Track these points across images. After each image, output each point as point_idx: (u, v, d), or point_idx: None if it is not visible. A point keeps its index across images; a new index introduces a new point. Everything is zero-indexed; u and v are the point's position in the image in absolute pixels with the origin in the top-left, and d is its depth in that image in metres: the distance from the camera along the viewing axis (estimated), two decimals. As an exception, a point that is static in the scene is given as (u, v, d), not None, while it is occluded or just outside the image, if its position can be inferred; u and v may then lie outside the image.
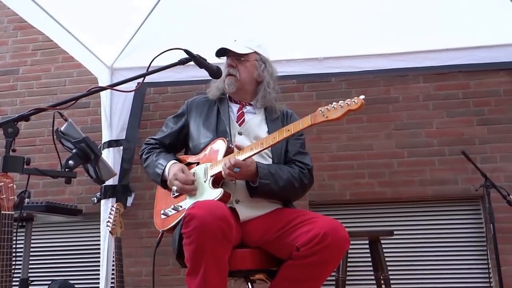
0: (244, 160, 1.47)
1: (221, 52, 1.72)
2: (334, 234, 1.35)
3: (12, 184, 1.52)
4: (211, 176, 1.53)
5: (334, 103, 1.38)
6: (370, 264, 2.37)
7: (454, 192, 2.72)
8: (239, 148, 1.53)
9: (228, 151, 1.56)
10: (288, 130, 1.45)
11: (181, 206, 1.54)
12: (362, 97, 1.35)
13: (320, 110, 1.40)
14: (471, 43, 2.60)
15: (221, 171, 1.50)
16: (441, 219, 2.75)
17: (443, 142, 2.78)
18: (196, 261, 1.29)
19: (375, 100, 2.88)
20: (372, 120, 2.86)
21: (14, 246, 1.47)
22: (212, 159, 1.58)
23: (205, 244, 1.26)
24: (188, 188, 1.53)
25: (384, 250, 2.27)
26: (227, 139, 1.60)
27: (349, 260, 2.31)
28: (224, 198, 1.48)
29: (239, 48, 1.69)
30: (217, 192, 1.48)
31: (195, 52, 1.49)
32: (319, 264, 1.36)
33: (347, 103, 1.36)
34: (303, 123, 1.43)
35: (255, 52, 1.73)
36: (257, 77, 1.74)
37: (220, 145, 1.59)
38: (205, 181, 1.54)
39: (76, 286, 2.69)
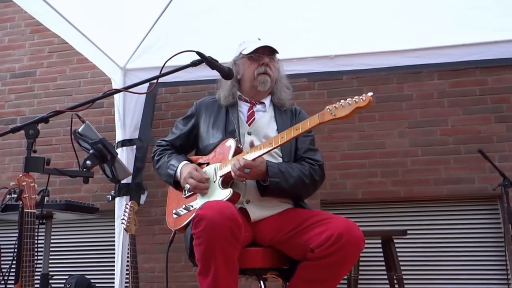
0: (253, 160, 1.47)
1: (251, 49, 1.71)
2: (349, 234, 1.35)
3: (34, 184, 1.58)
4: (221, 177, 1.54)
5: (342, 101, 1.37)
6: (383, 263, 2.34)
7: (470, 191, 2.65)
8: (252, 145, 1.53)
9: (237, 151, 1.56)
10: (296, 129, 1.45)
11: (192, 206, 1.56)
12: (370, 94, 1.33)
13: (328, 108, 1.39)
14: (489, 38, 2.51)
15: (230, 172, 1.51)
16: (456, 219, 2.69)
17: (459, 140, 2.71)
18: (206, 261, 1.30)
19: (388, 98, 2.83)
20: (385, 118, 2.81)
21: (36, 243, 1.52)
22: (222, 159, 1.59)
23: (215, 244, 1.28)
24: (202, 186, 1.55)
25: (398, 250, 2.25)
26: (236, 139, 1.61)
27: (361, 259, 2.29)
28: (234, 198, 1.48)
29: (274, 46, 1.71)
30: (227, 193, 1.49)
31: (206, 53, 1.50)
32: (335, 264, 1.36)
33: (355, 100, 1.34)
34: (311, 122, 1.42)
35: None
36: (277, 76, 1.77)
37: (229, 145, 1.60)
38: (214, 181, 1.56)
39: (92, 281, 2.77)
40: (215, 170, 1.58)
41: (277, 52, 1.73)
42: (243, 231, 1.38)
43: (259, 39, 1.74)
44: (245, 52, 1.72)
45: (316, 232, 1.39)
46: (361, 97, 1.33)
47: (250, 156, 1.49)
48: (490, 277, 2.58)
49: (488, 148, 2.51)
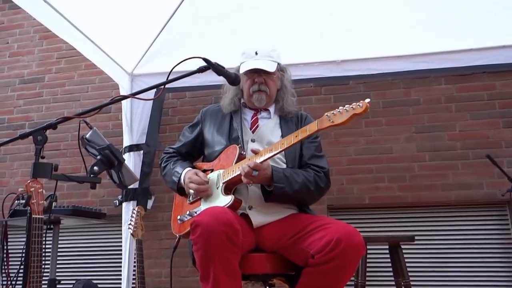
0: (261, 163, 1.48)
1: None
2: (348, 240, 1.33)
3: (42, 190, 1.59)
4: (223, 183, 1.55)
5: (340, 108, 1.38)
6: (391, 269, 2.32)
7: (478, 197, 2.62)
8: (256, 152, 1.54)
9: (241, 158, 1.58)
10: (296, 136, 1.47)
11: (195, 212, 1.57)
12: (367, 100, 1.34)
13: (327, 115, 1.41)
14: (496, 42, 2.50)
15: (233, 178, 1.52)
16: (464, 225, 2.66)
17: (467, 145, 2.69)
18: (205, 267, 1.31)
19: (395, 103, 2.82)
20: (392, 123, 2.80)
21: (43, 248, 1.53)
22: (225, 165, 1.61)
23: (211, 250, 1.28)
24: (203, 188, 1.56)
25: (405, 256, 2.23)
26: (240, 145, 1.61)
27: (368, 265, 2.27)
28: (235, 205, 1.50)
29: (267, 65, 1.69)
30: (228, 199, 1.50)
31: (213, 59, 1.50)
32: (336, 270, 1.35)
33: (352, 107, 1.35)
34: (310, 129, 1.44)
35: (277, 63, 1.75)
36: (279, 86, 1.78)
37: (233, 152, 1.61)
38: (217, 188, 1.57)
39: (99, 285, 2.77)
40: (218, 176, 1.59)
41: (271, 71, 1.69)
42: (244, 236, 1.39)
43: (256, 52, 1.71)
44: (241, 70, 1.72)
45: (316, 238, 1.39)
46: (358, 103, 1.35)
47: (258, 160, 1.50)
48: (499, 284, 2.55)
49: (496, 153, 2.49)
